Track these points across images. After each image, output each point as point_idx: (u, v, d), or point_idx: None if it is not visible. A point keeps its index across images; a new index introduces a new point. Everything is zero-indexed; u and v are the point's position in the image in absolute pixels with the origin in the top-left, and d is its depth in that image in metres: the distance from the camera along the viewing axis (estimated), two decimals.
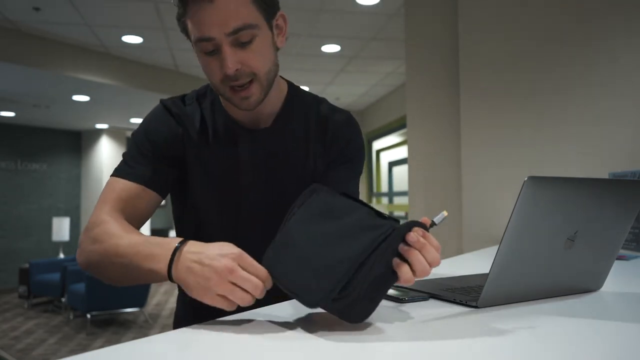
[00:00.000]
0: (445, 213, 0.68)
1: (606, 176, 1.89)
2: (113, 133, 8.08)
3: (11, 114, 6.73)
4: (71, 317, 5.36)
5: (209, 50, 0.84)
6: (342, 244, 0.65)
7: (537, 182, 0.71)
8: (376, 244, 0.63)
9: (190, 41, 0.88)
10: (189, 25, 0.85)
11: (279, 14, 0.90)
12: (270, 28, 0.88)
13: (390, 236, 0.64)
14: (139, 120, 7.21)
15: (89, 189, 8.18)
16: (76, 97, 5.68)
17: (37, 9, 3.78)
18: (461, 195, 2.70)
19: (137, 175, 0.91)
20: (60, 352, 4.16)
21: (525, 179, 0.69)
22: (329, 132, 1.00)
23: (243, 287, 0.64)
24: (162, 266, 0.70)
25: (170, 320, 5.26)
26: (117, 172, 0.92)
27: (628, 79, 2.03)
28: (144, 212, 0.92)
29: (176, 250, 0.70)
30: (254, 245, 0.79)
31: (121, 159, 0.96)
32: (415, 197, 3.04)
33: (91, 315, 4.89)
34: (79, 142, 8.36)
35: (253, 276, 0.65)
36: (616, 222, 0.85)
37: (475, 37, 2.65)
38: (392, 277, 0.64)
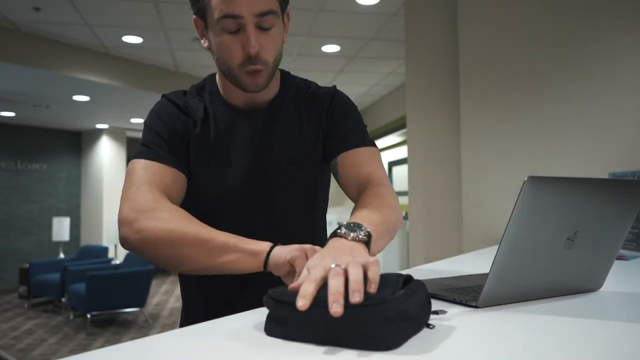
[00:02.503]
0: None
1: (606, 176, 1.89)
2: (113, 133, 8.08)
3: (11, 114, 6.73)
4: (71, 317, 5.37)
5: (232, 29, 0.87)
6: None
7: (537, 182, 0.71)
8: None
9: (203, 21, 0.92)
10: (214, 2, 0.87)
11: (287, 12, 0.98)
12: (282, 21, 0.95)
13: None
14: (139, 120, 7.21)
15: (89, 189, 8.18)
16: (76, 97, 5.69)
17: (37, 9, 3.78)
18: (461, 195, 2.70)
19: (166, 158, 0.92)
20: (60, 352, 4.16)
21: (525, 178, 0.69)
22: (320, 107, 1.05)
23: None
24: (265, 247, 0.78)
25: (170, 320, 5.26)
26: (144, 155, 0.90)
27: (628, 79, 2.03)
28: (178, 197, 0.93)
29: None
30: (255, 220, 0.92)
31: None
32: (415, 197, 3.04)
33: (91, 315, 4.89)
34: (79, 142, 8.37)
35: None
36: (616, 222, 0.85)
37: (475, 37, 2.65)
38: None
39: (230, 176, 0.98)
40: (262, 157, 1.00)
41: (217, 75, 1.04)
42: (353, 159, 1.00)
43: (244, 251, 0.78)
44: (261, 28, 0.88)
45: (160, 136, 0.95)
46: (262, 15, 0.86)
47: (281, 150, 1.01)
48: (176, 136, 0.96)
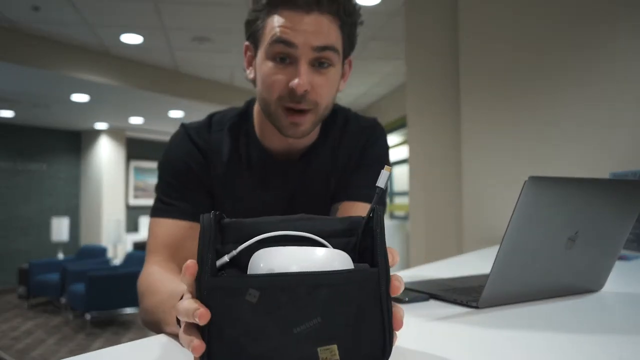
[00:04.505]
0: (386, 170, 0.50)
1: (607, 176, 1.88)
2: (112, 133, 8.07)
3: (11, 114, 6.72)
4: (71, 317, 5.36)
5: (281, 56, 0.77)
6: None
7: (537, 182, 0.70)
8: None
9: (254, 47, 0.81)
10: (270, 24, 0.77)
11: (349, 58, 0.88)
12: (342, 66, 0.85)
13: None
14: (138, 120, 7.21)
15: (88, 189, 8.17)
16: (76, 97, 5.68)
17: (36, 8, 3.77)
18: (461, 195, 2.70)
19: (175, 211, 0.86)
20: (60, 353, 4.15)
21: (526, 179, 0.69)
22: (349, 148, 0.95)
23: None
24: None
25: None
26: (156, 212, 0.87)
27: (628, 79, 2.03)
28: (193, 248, 0.87)
29: None
30: None
31: (155, 194, 0.90)
32: (415, 197, 3.04)
33: (91, 316, 4.89)
34: (78, 142, 8.36)
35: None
36: (617, 222, 0.85)
37: (475, 37, 2.65)
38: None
39: None
40: (290, 211, 0.93)
41: (255, 109, 0.93)
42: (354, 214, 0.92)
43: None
44: (317, 65, 0.78)
45: (172, 187, 0.88)
46: (320, 50, 0.76)
47: (312, 204, 0.93)
48: (192, 183, 0.88)
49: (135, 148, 8.80)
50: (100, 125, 7.77)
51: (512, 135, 2.45)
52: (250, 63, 0.86)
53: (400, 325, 0.46)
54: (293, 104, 0.78)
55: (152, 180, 9.22)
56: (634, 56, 2.01)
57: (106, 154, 8.00)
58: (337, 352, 0.43)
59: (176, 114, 6.57)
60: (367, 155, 0.96)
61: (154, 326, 0.73)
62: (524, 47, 2.42)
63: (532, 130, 2.37)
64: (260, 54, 0.80)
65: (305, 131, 0.82)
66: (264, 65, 0.79)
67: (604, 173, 1.96)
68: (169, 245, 0.83)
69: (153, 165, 9.29)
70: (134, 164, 8.87)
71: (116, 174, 8.10)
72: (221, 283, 0.42)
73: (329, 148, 0.95)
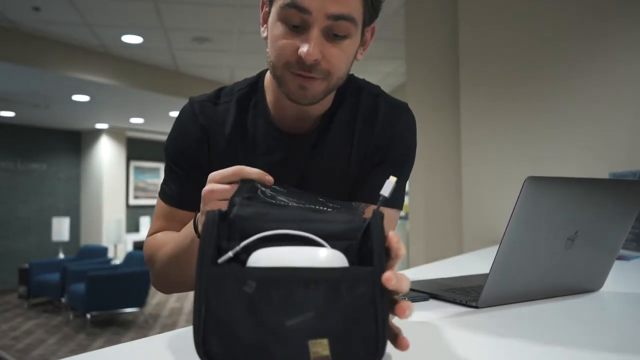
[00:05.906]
0: (392, 180, 0.52)
1: (606, 176, 1.89)
2: (113, 133, 8.07)
3: (11, 114, 6.72)
4: (71, 317, 5.36)
5: (293, 23, 0.70)
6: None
7: (537, 182, 0.71)
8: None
9: (270, 4, 0.76)
10: None
11: (371, 25, 0.82)
12: (361, 36, 0.80)
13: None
14: (139, 120, 7.20)
15: (88, 189, 8.17)
16: (76, 97, 5.68)
17: (36, 9, 3.77)
18: (461, 195, 2.70)
19: (170, 196, 0.90)
20: (60, 352, 4.15)
21: (525, 179, 0.69)
22: (375, 131, 0.87)
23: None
24: (191, 230, 0.73)
25: (170, 320, 5.25)
26: (159, 193, 0.94)
27: (628, 79, 2.03)
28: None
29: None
30: None
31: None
32: (415, 197, 3.04)
33: (91, 315, 4.89)
34: (78, 142, 8.36)
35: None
36: (616, 222, 0.85)
37: (475, 37, 2.65)
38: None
39: None
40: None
41: (267, 76, 0.87)
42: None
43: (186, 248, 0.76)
44: (331, 35, 0.71)
45: (173, 170, 0.89)
46: (336, 18, 0.69)
47: (322, 184, 0.86)
48: (192, 164, 0.87)
49: (136, 148, 8.80)
50: (101, 125, 7.77)
51: (512, 135, 2.45)
52: (265, 20, 0.80)
53: (403, 313, 0.46)
54: (302, 71, 0.72)
55: (152, 180, 9.22)
56: (634, 56, 2.01)
57: (106, 154, 8.00)
58: (327, 346, 0.44)
59: (176, 114, 6.57)
60: (395, 152, 0.88)
61: (176, 268, 0.79)
62: (524, 47, 2.42)
63: (532, 130, 2.38)
64: (273, 12, 0.74)
65: (314, 96, 0.76)
66: (274, 27, 0.73)
67: (603, 173, 1.96)
68: (163, 225, 0.90)
69: (153, 165, 9.28)
70: (134, 164, 8.87)
71: (116, 174, 8.09)
72: (220, 272, 0.44)
73: (351, 125, 0.88)
